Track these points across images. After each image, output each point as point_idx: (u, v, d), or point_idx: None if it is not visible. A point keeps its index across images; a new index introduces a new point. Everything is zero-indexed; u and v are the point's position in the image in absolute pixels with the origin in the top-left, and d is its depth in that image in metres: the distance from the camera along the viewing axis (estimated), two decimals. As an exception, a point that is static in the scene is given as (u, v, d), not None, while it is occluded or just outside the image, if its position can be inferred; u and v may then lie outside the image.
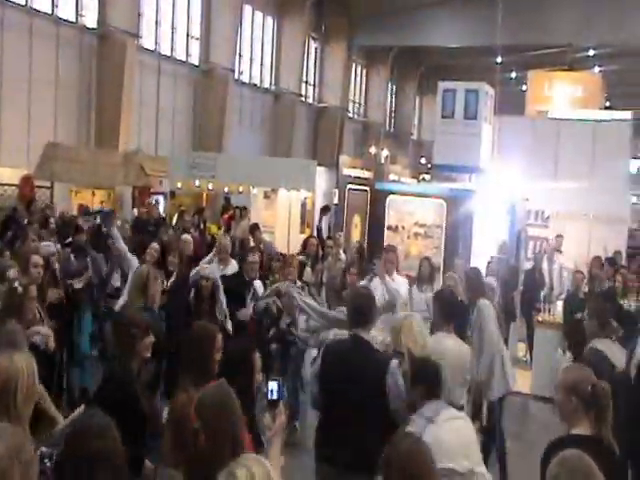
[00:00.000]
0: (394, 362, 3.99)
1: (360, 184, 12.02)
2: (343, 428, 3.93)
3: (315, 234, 9.69)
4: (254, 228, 10.67)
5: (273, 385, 2.91)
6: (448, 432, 3.46)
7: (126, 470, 2.38)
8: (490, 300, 6.78)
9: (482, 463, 3.65)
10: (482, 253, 10.47)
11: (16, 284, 4.49)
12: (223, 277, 7.08)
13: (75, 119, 17.25)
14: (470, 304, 6.63)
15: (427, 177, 15.34)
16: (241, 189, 12.82)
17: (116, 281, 7.44)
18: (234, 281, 7.04)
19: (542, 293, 11.02)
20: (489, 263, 9.18)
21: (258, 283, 7.09)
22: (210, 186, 12.89)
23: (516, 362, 9.33)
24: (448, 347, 4.87)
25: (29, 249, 6.64)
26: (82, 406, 3.85)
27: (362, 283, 7.25)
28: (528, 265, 11.75)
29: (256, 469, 2.34)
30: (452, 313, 5.26)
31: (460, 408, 4.57)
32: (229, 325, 6.30)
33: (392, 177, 13.17)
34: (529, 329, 10.57)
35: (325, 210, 9.46)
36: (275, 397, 2.89)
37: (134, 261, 7.13)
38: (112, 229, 7.39)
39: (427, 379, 3.64)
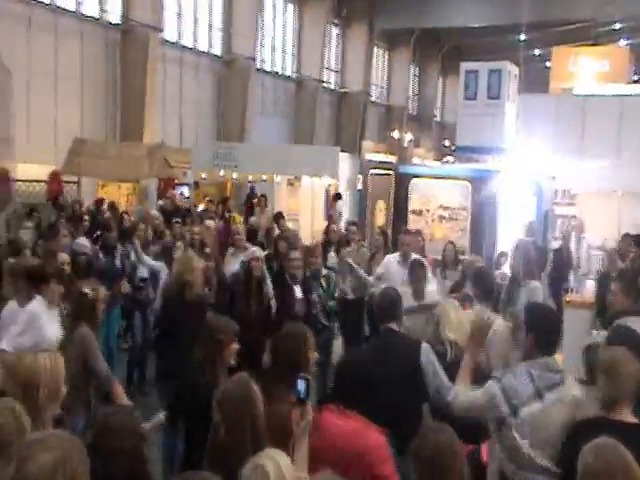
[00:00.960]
0: (425, 345, 4.14)
1: (384, 168, 11.99)
2: (387, 415, 3.95)
3: (326, 221, 9.68)
4: (278, 217, 10.71)
5: (301, 384, 2.87)
6: (551, 417, 3.18)
7: (147, 470, 2.39)
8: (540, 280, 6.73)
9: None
10: (509, 234, 10.39)
11: (85, 289, 4.54)
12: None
13: (101, 114, 17.49)
14: (515, 280, 6.57)
15: (451, 159, 15.19)
16: (264, 177, 12.87)
17: (143, 273, 7.54)
18: (274, 283, 6.57)
19: (571, 272, 10.93)
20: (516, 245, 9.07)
21: (298, 289, 6.52)
22: (234, 175, 12.97)
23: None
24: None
25: (57, 246, 6.77)
26: (162, 413, 3.80)
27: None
28: (556, 244, 11.61)
29: (281, 460, 2.38)
30: (491, 290, 5.38)
31: None
32: (274, 306, 6.27)
33: (415, 160, 13.06)
34: (558, 309, 10.47)
35: (337, 197, 9.46)
36: (303, 396, 2.85)
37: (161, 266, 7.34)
38: (138, 254, 7.46)
39: (539, 328, 3.30)
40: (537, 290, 6.34)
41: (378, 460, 2.98)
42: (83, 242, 7.67)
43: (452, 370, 4.03)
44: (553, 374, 3.27)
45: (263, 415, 2.75)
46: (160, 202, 13.80)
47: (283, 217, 10.67)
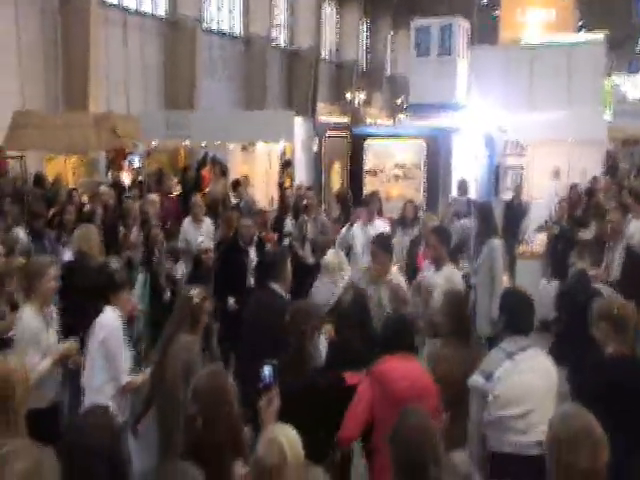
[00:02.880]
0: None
1: (338, 130, 11.99)
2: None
3: (278, 190, 9.74)
4: (236, 184, 10.61)
5: (267, 370, 3.00)
6: (522, 373, 3.45)
7: (126, 469, 2.44)
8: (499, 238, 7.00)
9: (548, 410, 3.38)
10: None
11: (191, 292, 4.11)
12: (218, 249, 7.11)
13: (41, 84, 16.77)
14: (478, 239, 6.84)
15: (404, 117, 15.22)
16: (218, 143, 12.65)
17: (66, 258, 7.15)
18: (230, 254, 6.82)
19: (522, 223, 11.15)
20: (450, 205, 9.17)
21: (252, 252, 6.91)
22: (187, 142, 12.70)
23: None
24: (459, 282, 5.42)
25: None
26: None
27: (342, 231, 7.47)
28: (508, 196, 11.85)
29: (291, 434, 2.50)
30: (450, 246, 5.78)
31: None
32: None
33: (369, 120, 13.02)
34: (511, 260, 10.71)
35: (286, 165, 9.43)
36: (268, 382, 2.99)
37: None
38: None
39: (510, 309, 3.66)
40: (497, 247, 6.65)
41: (436, 394, 3.57)
42: (16, 232, 7.38)
43: None
44: (522, 343, 3.54)
45: (237, 404, 2.82)
46: (110, 174, 13.50)
47: (241, 184, 10.56)
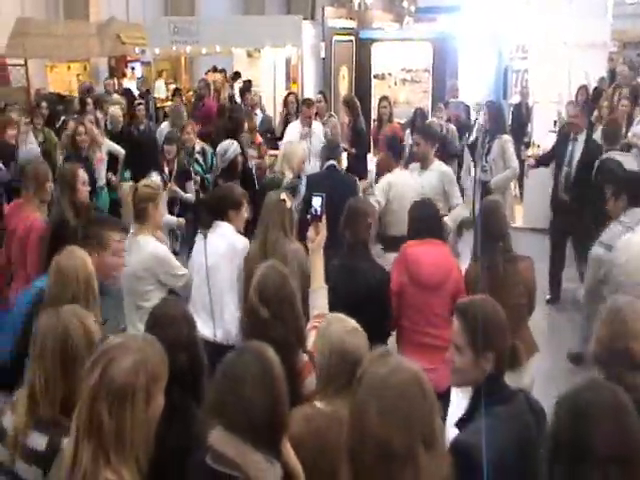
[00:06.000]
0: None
1: (345, 34, 11.89)
2: None
3: (228, 103, 9.69)
4: (246, 89, 10.59)
5: (317, 201, 3.07)
6: None
7: (203, 357, 2.39)
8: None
9: None
10: (470, 93, 10.66)
11: (283, 195, 3.89)
12: None
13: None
14: (490, 137, 7.12)
15: (411, 20, 15.01)
16: (219, 49, 12.48)
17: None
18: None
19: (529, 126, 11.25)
20: (441, 109, 9.19)
21: None
22: (188, 49, 12.50)
23: (508, 197, 9.80)
24: None
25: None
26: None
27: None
28: (515, 100, 11.88)
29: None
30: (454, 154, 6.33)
31: None
32: None
33: (376, 24, 12.86)
34: (519, 163, 10.90)
35: (235, 77, 9.33)
36: (318, 212, 3.07)
37: None
38: None
39: (630, 188, 3.96)
40: (509, 143, 7.08)
41: (460, 280, 3.77)
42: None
43: None
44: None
45: (297, 295, 2.81)
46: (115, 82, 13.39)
47: (250, 90, 10.53)
